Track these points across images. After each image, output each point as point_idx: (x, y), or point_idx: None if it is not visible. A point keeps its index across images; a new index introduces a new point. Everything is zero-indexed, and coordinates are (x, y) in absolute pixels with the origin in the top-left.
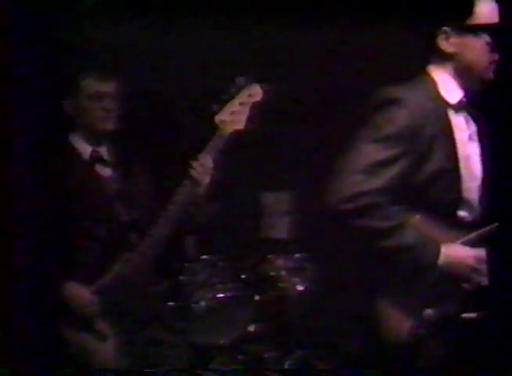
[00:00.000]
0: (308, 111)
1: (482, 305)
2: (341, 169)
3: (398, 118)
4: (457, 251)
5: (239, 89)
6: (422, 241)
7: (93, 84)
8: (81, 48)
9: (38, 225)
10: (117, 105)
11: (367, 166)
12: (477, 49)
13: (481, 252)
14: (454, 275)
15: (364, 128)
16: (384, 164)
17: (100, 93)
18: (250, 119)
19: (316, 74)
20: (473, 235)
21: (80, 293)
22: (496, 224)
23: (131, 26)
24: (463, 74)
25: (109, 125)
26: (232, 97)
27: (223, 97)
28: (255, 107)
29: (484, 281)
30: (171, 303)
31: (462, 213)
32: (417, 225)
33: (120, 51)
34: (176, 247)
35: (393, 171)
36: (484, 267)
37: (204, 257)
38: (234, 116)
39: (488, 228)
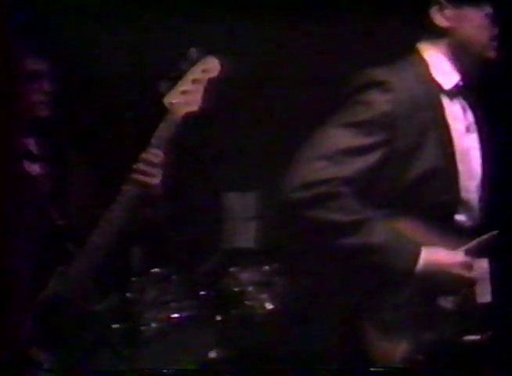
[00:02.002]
0: (278, 91)
1: (486, 325)
2: (302, 155)
3: (379, 103)
4: (440, 256)
5: (191, 64)
6: (396, 241)
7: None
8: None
9: None
10: (53, 87)
11: (331, 153)
12: (476, 23)
13: (469, 260)
14: (434, 285)
15: (337, 112)
16: (352, 152)
17: (37, 72)
18: (205, 99)
19: (286, 49)
20: (473, 243)
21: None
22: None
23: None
24: (460, 54)
25: (45, 111)
26: (183, 74)
27: (172, 74)
28: (211, 84)
29: (485, 298)
30: (116, 325)
31: (460, 217)
32: (399, 227)
33: (55, 26)
34: (121, 259)
35: (363, 162)
36: (476, 276)
37: (155, 270)
38: (186, 96)
39: (489, 235)
